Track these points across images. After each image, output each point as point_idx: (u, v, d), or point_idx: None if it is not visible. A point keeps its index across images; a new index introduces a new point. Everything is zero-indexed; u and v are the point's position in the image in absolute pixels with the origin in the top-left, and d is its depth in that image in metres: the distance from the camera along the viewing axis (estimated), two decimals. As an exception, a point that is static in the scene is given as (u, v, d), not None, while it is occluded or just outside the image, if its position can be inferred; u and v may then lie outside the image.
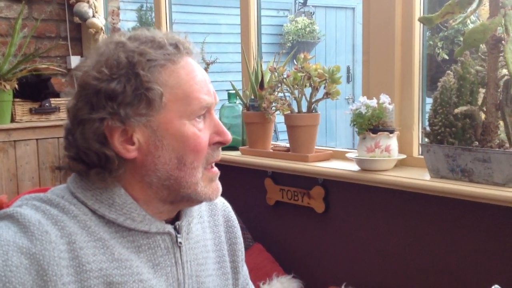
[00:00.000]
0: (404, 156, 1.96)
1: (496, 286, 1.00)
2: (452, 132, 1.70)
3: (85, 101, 0.95)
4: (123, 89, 0.93)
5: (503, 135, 1.67)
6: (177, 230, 1.04)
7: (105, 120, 0.94)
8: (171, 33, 1.03)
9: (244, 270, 1.23)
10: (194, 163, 0.98)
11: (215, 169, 1.05)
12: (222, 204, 1.22)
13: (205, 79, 1.02)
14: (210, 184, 1.03)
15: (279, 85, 2.28)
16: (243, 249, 1.22)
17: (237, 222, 1.23)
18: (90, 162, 0.96)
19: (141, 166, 0.98)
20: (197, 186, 1.00)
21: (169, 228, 1.02)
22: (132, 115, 0.94)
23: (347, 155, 2.04)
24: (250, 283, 1.27)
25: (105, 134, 0.95)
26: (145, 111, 0.95)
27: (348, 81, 7.82)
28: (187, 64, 1.00)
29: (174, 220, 1.06)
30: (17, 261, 0.85)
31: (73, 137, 0.97)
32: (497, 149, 1.62)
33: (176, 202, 1.02)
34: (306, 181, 2.21)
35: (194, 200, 1.02)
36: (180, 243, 1.04)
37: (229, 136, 1.03)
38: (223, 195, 1.21)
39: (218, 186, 1.05)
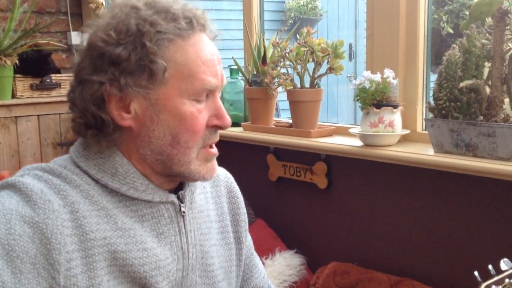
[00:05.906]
0: (407, 131, 1.95)
1: (506, 259, 0.99)
2: (456, 107, 1.68)
3: (89, 61, 0.95)
4: (127, 57, 0.92)
5: (508, 109, 1.66)
6: (180, 200, 1.04)
7: (104, 85, 0.93)
8: (189, 5, 0.99)
9: (248, 240, 1.23)
10: (188, 143, 0.97)
11: (214, 149, 1.03)
12: (225, 175, 1.22)
13: (214, 59, 0.99)
14: (205, 163, 1.01)
15: (282, 60, 2.26)
16: (246, 220, 1.22)
17: (239, 193, 1.23)
18: (88, 123, 0.96)
19: (136, 137, 0.97)
20: (190, 165, 0.99)
21: (173, 197, 1.02)
22: (131, 84, 0.93)
23: (350, 130, 2.03)
24: (255, 253, 1.27)
25: (103, 97, 0.94)
26: (146, 83, 0.94)
27: (350, 59, 7.76)
28: (198, 42, 0.97)
29: (177, 189, 1.05)
30: (20, 229, 0.85)
31: (74, 95, 0.98)
32: (502, 123, 1.61)
33: (172, 176, 1.02)
34: (308, 157, 2.20)
35: (188, 177, 1.02)
36: (184, 212, 1.03)
37: (228, 122, 1.01)
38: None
39: (214, 166, 1.03)
